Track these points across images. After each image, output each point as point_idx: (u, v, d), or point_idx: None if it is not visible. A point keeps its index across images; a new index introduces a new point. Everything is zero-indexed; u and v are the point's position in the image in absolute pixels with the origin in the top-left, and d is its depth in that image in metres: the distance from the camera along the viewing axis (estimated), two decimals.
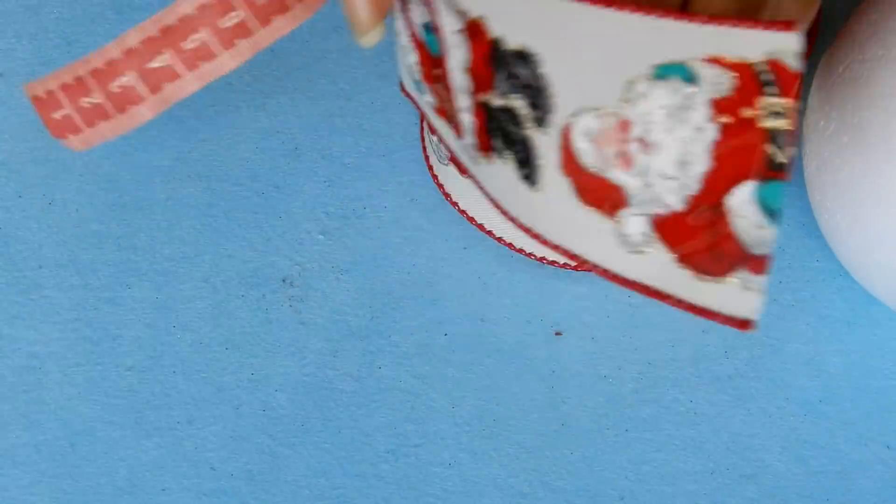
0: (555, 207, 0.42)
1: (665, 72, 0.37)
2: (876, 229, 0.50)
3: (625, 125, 0.39)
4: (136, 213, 0.57)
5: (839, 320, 0.55)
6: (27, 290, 0.56)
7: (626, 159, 0.39)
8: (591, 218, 0.42)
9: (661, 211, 0.38)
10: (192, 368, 0.54)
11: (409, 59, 0.47)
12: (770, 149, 0.37)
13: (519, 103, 0.40)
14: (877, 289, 0.53)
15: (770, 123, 0.36)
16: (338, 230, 0.57)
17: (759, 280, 0.38)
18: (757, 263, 0.37)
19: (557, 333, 0.55)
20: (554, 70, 0.39)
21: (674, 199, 0.38)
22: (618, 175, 0.40)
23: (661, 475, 0.53)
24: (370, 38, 0.41)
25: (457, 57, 0.42)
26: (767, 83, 0.36)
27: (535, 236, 0.43)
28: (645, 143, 0.38)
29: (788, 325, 0.55)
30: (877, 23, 0.50)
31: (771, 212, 0.37)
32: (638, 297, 0.56)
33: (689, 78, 0.37)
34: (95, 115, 0.48)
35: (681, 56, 0.36)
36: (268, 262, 0.56)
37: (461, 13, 0.41)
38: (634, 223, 0.40)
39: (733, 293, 0.38)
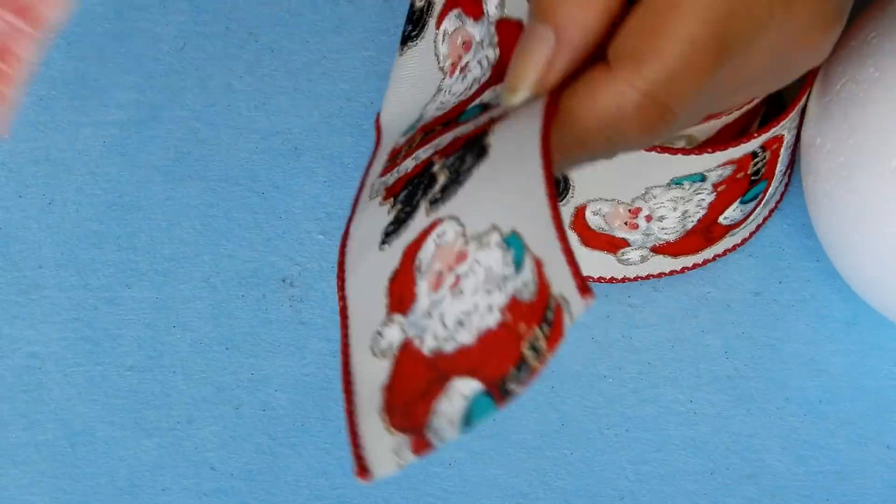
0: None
1: (508, 241, 0.38)
2: (869, 247, 0.50)
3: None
4: (136, 213, 0.57)
5: (839, 320, 0.55)
6: (27, 290, 0.56)
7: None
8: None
9: (446, 349, 0.39)
10: (192, 368, 0.54)
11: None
12: (511, 371, 0.37)
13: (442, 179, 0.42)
14: (873, 301, 0.53)
15: (527, 351, 0.36)
16: (338, 230, 0.57)
17: (409, 458, 0.37)
18: (420, 445, 0.37)
19: None
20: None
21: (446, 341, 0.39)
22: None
23: (661, 475, 0.53)
24: (518, 97, 0.40)
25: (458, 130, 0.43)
26: (547, 319, 0.36)
27: None
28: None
29: (788, 325, 0.55)
30: (872, 43, 0.50)
31: (468, 420, 0.37)
32: (638, 298, 0.56)
33: (517, 261, 0.37)
34: None
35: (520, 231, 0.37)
36: (268, 262, 0.56)
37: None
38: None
39: (384, 444, 0.38)
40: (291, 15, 0.61)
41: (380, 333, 0.40)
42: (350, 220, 0.46)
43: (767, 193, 0.54)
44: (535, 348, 0.37)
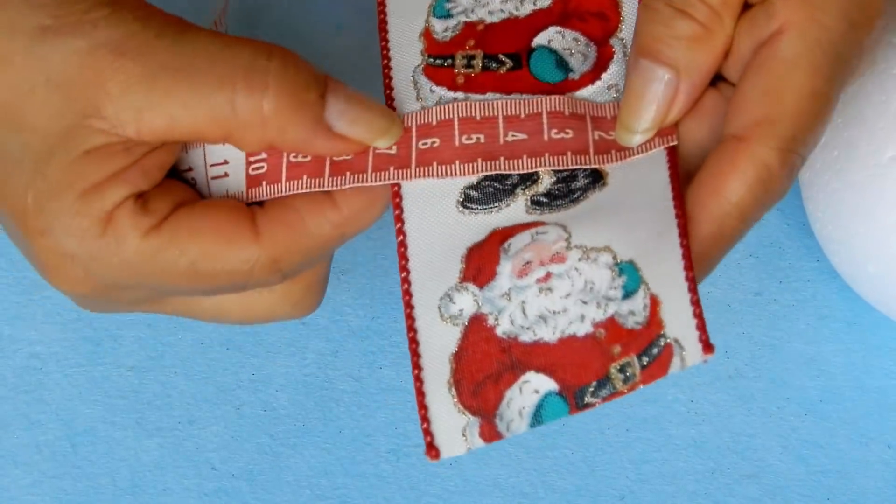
0: None
1: (622, 268, 0.40)
2: (866, 241, 0.50)
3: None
4: None
5: (839, 320, 0.55)
6: (28, 290, 0.56)
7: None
8: None
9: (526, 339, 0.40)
10: (193, 369, 0.54)
11: None
12: (592, 384, 0.38)
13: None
14: (870, 297, 0.53)
15: (615, 373, 0.38)
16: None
17: (477, 441, 0.38)
18: (490, 432, 0.39)
19: None
20: None
21: (548, 334, 0.40)
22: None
23: (662, 474, 0.53)
24: (638, 139, 0.42)
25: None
26: (650, 352, 0.38)
27: None
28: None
29: (788, 325, 0.55)
30: None
31: (538, 417, 0.38)
32: None
33: (627, 289, 0.39)
34: None
35: (644, 272, 0.39)
36: None
37: None
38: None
39: (453, 422, 0.39)
40: (291, 16, 0.61)
41: (451, 298, 0.40)
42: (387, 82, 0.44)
43: None
44: (625, 373, 0.38)
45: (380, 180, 0.41)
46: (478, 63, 0.43)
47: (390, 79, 0.44)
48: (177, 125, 0.39)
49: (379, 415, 0.54)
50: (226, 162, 0.42)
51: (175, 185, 0.42)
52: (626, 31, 0.44)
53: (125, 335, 0.55)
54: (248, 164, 0.42)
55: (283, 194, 0.41)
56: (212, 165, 0.42)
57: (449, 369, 0.39)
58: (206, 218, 0.41)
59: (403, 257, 0.41)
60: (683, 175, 0.41)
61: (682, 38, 0.40)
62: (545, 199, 0.41)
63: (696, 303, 0.38)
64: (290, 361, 0.55)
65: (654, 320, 0.38)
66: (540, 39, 0.44)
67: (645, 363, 0.38)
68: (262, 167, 0.42)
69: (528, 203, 0.42)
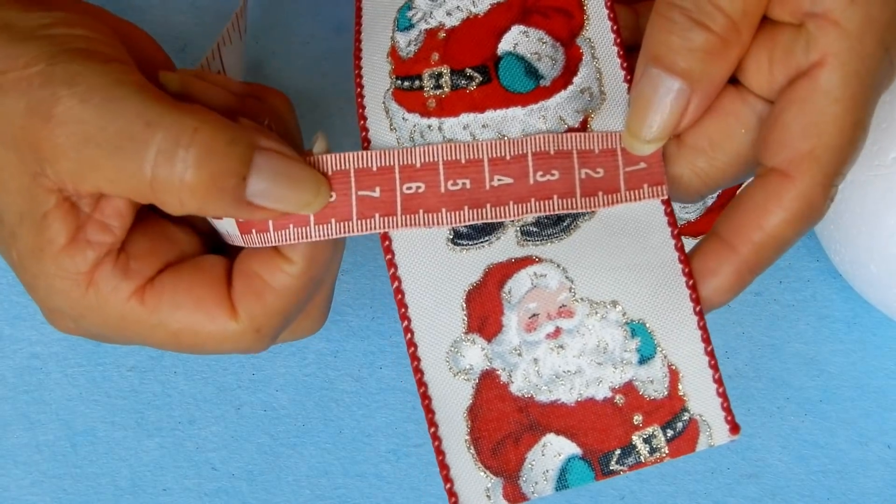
0: None
1: (633, 328, 0.40)
2: (868, 241, 0.50)
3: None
4: None
5: (839, 320, 0.55)
6: None
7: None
8: None
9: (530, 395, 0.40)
10: (193, 369, 0.54)
11: None
12: (616, 452, 0.39)
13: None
14: (872, 297, 0.53)
15: (640, 443, 0.39)
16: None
17: (501, 502, 0.39)
18: (514, 494, 0.39)
19: None
20: None
21: (567, 396, 0.40)
22: None
23: (662, 474, 0.53)
24: (649, 148, 0.42)
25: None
26: (673, 426, 0.39)
27: None
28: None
29: (788, 325, 0.55)
30: None
31: (563, 481, 0.39)
32: None
33: (643, 354, 0.40)
34: None
35: (665, 346, 0.40)
36: None
37: None
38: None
39: (477, 487, 0.39)
40: (292, 16, 0.61)
41: (459, 351, 0.40)
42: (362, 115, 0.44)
43: None
44: (650, 445, 0.39)
45: (367, 229, 0.41)
46: (446, 82, 0.43)
47: (364, 108, 0.44)
48: (105, 191, 0.40)
49: (379, 415, 0.54)
50: None
51: (161, 238, 0.42)
52: (592, 30, 0.43)
53: None
54: None
55: (274, 244, 0.42)
56: None
57: (466, 427, 0.40)
58: (188, 290, 0.42)
59: (402, 305, 0.41)
60: (688, 170, 0.41)
61: (698, 49, 0.40)
62: (535, 229, 0.41)
63: (719, 381, 0.39)
64: (290, 361, 0.55)
65: (675, 393, 0.39)
66: (505, 45, 0.43)
67: (670, 436, 0.39)
68: None
69: (519, 234, 0.41)
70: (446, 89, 0.43)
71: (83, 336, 0.43)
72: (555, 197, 0.41)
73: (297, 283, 0.42)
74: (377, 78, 0.44)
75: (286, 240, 0.41)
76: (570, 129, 0.42)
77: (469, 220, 0.41)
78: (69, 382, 0.54)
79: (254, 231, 0.42)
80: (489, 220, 0.41)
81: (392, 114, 0.43)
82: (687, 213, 0.53)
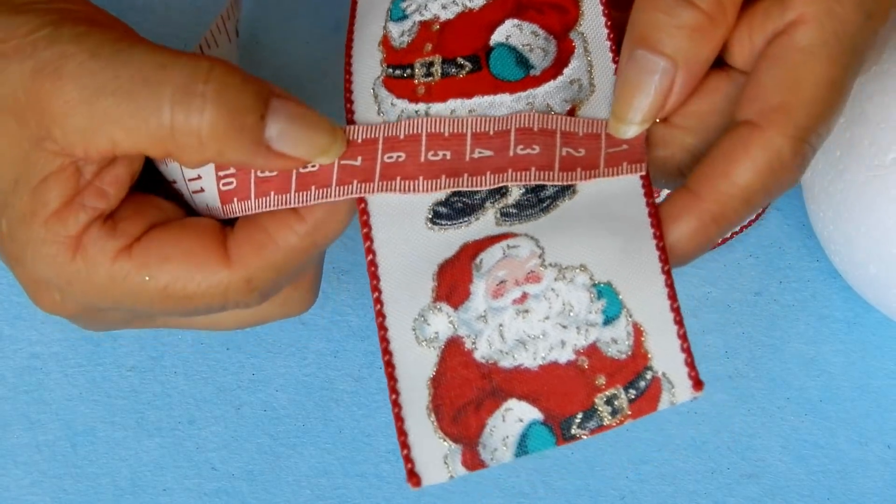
0: None
1: (600, 290, 0.39)
2: (867, 242, 0.50)
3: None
4: None
5: (839, 320, 0.55)
6: None
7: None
8: None
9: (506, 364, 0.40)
10: (192, 369, 0.54)
11: None
12: (578, 415, 0.38)
13: None
14: (871, 298, 0.53)
15: (602, 405, 0.38)
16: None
17: (459, 469, 0.38)
18: (473, 461, 0.38)
19: None
20: None
21: (529, 361, 0.39)
22: None
23: (662, 475, 0.53)
24: (633, 130, 0.42)
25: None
26: (636, 385, 0.38)
27: None
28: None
29: (788, 325, 0.55)
30: None
31: (524, 447, 0.38)
32: None
33: (608, 315, 0.39)
34: None
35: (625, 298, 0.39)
36: None
37: None
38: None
39: (436, 454, 0.38)
40: (291, 16, 0.61)
41: (425, 319, 0.40)
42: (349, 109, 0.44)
43: None
44: (612, 406, 0.38)
45: (344, 194, 0.41)
46: (437, 70, 0.43)
47: (350, 92, 0.44)
48: (119, 146, 0.39)
49: (379, 415, 0.54)
50: (199, 177, 0.42)
51: (148, 205, 0.42)
52: (586, 24, 0.43)
53: (125, 335, 0.55)
54: (218, 178, 0.42)
55: (255, 211, 0.41)
56: (189, 180, 0.42)
57: (427, 394, 0.39)
58: (176, 242, 0.41)
59: (374, 276, 0.41)
60: (678, 150, 0.41)
61: (685, 27, 0.40)
62: (514, 210, 0.41)
63: (683, 336, 0.38)
64: (290, 361, 0.55)
65: (638, 351, 0.38)
66: (498, 36, 0.43)
67: (633, 396, 0.38)
68: (232, 182, 0.42)
69: (498, 216, 0.41)
70: (436, 77, 0.43)
71: (69, 315, 0.43)
72: (532, 169, 0.41)
73: (301, 243, 0.41)
74: (367, 65, 0.44)
75: (266, 207, 0.41)
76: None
77: (444, 187, 0.41)
78: (69, 382, 0.54)
79: (235, 200, 0.41)
80: (464, 189, 0.41)
81: (381, 100, 0.43)
82: None
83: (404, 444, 0.38)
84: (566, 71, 0.43)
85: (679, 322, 0.38)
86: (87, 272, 0.41)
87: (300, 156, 0.41)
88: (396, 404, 0.39)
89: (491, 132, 0.42)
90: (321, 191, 0.41)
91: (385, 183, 0.41)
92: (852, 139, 0.50)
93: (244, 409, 0.54)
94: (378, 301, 0.40)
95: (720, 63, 0.42)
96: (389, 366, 0.40)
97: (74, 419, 0.54)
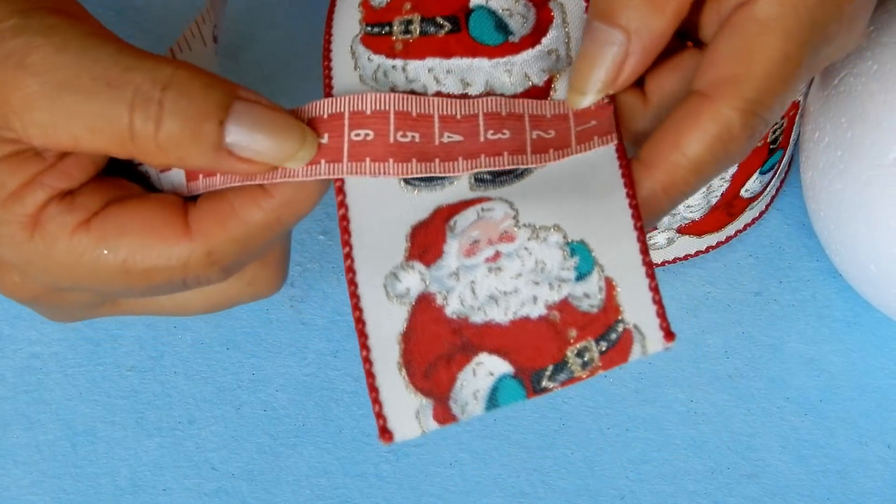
0: None
1: (573, 248, 0.39)
2: (868, 241, 0.50)
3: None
4: None
5: (839, 320, 0.55)
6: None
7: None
8: None
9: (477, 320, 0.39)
10: (192, 369, 0.54)
11: None
12: (549, 368, 0.38)
13: None
14: (872, 297, 0.53)
15: (573, 357, 0.38)
16: (338, 230, 0.57)
17: (431, 424, 0.38)
18: (444, 415, 0.38)
19: None
20: None
21: (501, 316, 0.39)
22: None
23: (662, 474, 0.53)
24: (587, 101, 0.42)
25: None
26: (607, 338, 0.38)
27: None
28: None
29: (788, 325, 0.55)
30: (872, 36, 0.50)
31: (494, 400, 0.38)
32: None
33: (580, 271, 0.39)
34: None
35: (598, 254, 0.39)
36: None
37: None
38: None
39: (406, 404, 0.38)
40: (291, 17, 0.61)
41: (396, 276, 0.40)
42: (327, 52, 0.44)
43: (781, 164, 0.55)
44: (583, 358, 0.38)
45: (312, 175, 0.40)
46: (416, 28, 0.43)
47: (329, 51, 0.43)
48: (81, 143, 0.39)
49: None
50: None
51: (108, 183, 0.41)
52: None
53: (125, 335, 0.55)
54: None
55: (220, 187, 0.41)
56: None
57: (398, 350, 0.39)
58: (134, 215, 0.40)
59: (346, 231, 0.41)
60: (649, 125, 0.41)
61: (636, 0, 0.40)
62: (488, 177, 0.41)
63: (654, 289, 0.38)
64: (290, 361, 0.55)
65: (610, 305, 0.38)
66: None
67: (604, 349, 0.38)
68: None
69: (472, 181, 0.41)
70: (415, 34, 0.43)
71: (29, 298, 0.42)
72: (505, 154, 0.41)
73: (267, 218, 0.41)
74: (346, 26, 0.44)
75: (230, 182, 0.41)
76: (535, 87, 0.42)
77: (417, 172, 0.41)
78: (69, 382, 0.54)
79: (200, 177, 0.41)
80: (437, 175, 0.41)
81: (358, 56, 0.43)
82: (691, 211, 0.53)
83: (375, 401, 0.38)
84: (544, 40, 0.43)
85: (651, 276, 0.38)
86: (45, 249, 0.40)
87: (264, 161, 0.40)
88: (367, 361, 0.39)
89: (458, 115, 0.42)
90: (287, 170, 0.41)
91: (354, 164, 0.41)
92: (853, 138, 0.50)
93: (244, 409, 0.54)
94: (348, 257, 0.40)
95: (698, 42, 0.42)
96: (360, 322, 0.39)
97: (74, 419, 0.54)
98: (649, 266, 0.38)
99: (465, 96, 0.42)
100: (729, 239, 0.56)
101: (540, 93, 0.43)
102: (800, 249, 0.57)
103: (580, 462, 0.53)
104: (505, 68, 0.42)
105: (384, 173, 0.41)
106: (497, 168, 0.41)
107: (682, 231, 0.54)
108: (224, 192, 0.41)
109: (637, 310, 0.38)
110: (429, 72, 0.42)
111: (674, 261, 0.55)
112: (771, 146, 0.52)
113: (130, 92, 0.38)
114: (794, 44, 0.39)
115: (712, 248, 0.55)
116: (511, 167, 0.41)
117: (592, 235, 0.39)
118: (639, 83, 0.42)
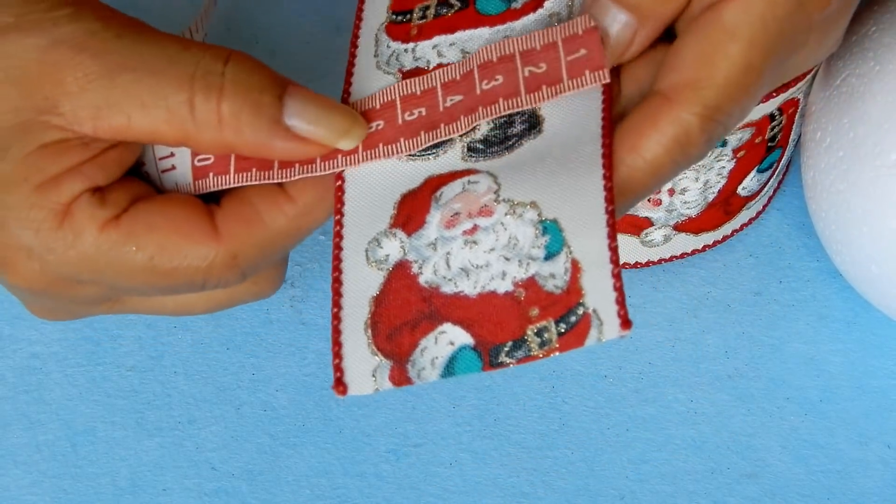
0: None
1: (545, 226, 0.40)
2: (870, 242, 0.50)
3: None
4: None
5: (839, 320, 0.55)
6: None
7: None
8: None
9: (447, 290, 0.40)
10: (192, 369, 0.55)
11: None
12: (508, 344, 0.38)
13: None
14: (873, 298, 0.53)
15: (532, 336, 0.38)
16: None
17: (385, 384, 0.39)
18: (400, 376, 0.39)
19: None
20: None
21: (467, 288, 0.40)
22: None
23: (662, 474, 0.53)
24: None
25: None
26: (567, 320, 0.38)
27: None
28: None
29: (788, 325, 0.55)
30: (873, 37, 0.50)
31: (451, 369, 0.39)
32: (638, 297, 0.56)
33: (550, 250, 0.39)
34: None
35: (568, 234, 0.39)
36: None
37: None
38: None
39: (365, 363, 0.39)
40: (292, 16, 0.61)
41: (378, 243, 0.40)
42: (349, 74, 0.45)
43: (780, 163, 0.55)
44: (541, 338, 0.38)
45: (329, 169, 0.41)
46: (431, 12, 0.44)
47: (357, 37, 0.45)
48: (133, 125, 0.40)
49: (378, 415, 0.54)
50: (172, 154, 0.42)
51: (133, 181, 0.42)
52: None
53: (125, 335, 0.55)
54: (194, 154, 0.42)
55: (232, 185, 0.41)
56: (160, 158, 0.42)
57: (368, 311, 0.39)
58: (164, 213, 0.41)
59: (340, 201, 0.41)
60: (621, 117, 0.42)
61: None
62: (481, 146, 0.42)
63: (617, 276, 0.38)
64: (290, 361, 0.55)
65: (573, 287, 0.38)
66: None
67: (562, 330, 0.38)
68: (209, 158, 0.42)
69: (465, 150, 0.42)
70: (429, 18, 0.44)
71: (40, 288, 0.42)
72: (500, 100, 0.41)
73: (290, 225, 0.41)
74: (376, 13, 0.45)
75: (246, 181, 0.41)
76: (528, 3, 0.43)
77: (425, 143, 0.42)
78: (69, 382, 0.54)
79: (210, 174, 0.42)
80: (444, 139, 0.42)
81: (379, 43, 0.44)
82: (688, 208, 0.53)
83: (337, 354, 0.39)
84: (546, 4, 0.43)
85: (615, 262, 0.38)
86: (73, 239, 0.40)
87: (320, 138, 0.41)
88: (337, 317, 0.40)
89: (458, 77, 0.42)
90: (305, 167, 0.41)
91: (368, 152, 0.41)
92: (856, 139, 0.50)
93: (244, 409, 0.54)
94: (339, 223, 0.41)
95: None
96: (337, 282, 0.40)
97: (74, 419, 0.54)
98: (615, 252, 0.38)
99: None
100: (726, 238, 0.56)
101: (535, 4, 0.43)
102: (800, 249, 0.57)
103: (580, 462, 0.53)
104: (504, 35, 0.43)
105: (396, 153, 0.42)
106: (494, 116, 0.41)
107: (678, 228, 0.54)
108: (248, 195, 0.41)
109: (598, 295, 0.38)
110: (433, 48, 0.43)
111: (671, 259, 0.55)
112: (769, 144, 0.52)
113: (193, 66, 0.39)
114: (757, 53, 0.39)
115: (709, 246, 0.55)
116: (508, 133, 0.41)
117: (565, 215, 0.39)
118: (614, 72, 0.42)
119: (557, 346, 0.38)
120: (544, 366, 0.54)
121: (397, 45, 0.44)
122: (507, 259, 0.39)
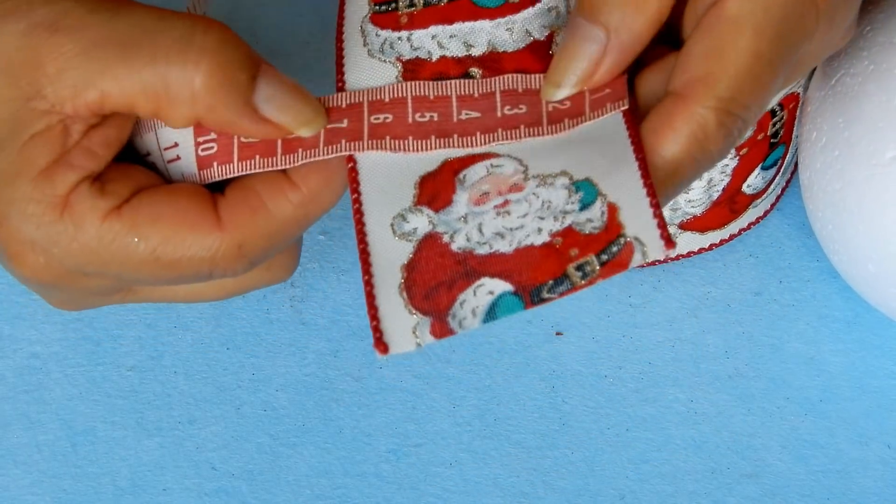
0: None
1: (578, 185, 0.40)
2: (866, 241, 0.50)
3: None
4: None
5: (839, 320, 0.55)
6: (28, 290, 0.56)
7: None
8: None
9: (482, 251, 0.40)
10: (193, 368, 0.55)
11: None
12: (549, 282, 0.38)
13: None
14: (871, 297, 0.53)
15: (573, 271, 0.38)
16: (338, 230, 0.57)
17: (427, 338, 0.38)
18: (441, 328, 0.39)
19: (558, 334, 0.55)
20: None
21: (505, 246, 0.40)
22: None
23: (662, 474, 0.53)
24: (561, 93, 0.42)
25: None
26: (609, 251, 0.38)
27: None
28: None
29: (788, 325, 0.55)
30: (867, 36, 0.50)
31: (492, 313, 0.39)
32: (638, 297, 0.56)
33: (584, 202, 0.39)
34: None
35: (599, 185, 0.39)
36: None
37: None
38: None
39: (403, 321, 0.39)
40: (291, 16, 0.61)
41: (404, 218, 0.40)
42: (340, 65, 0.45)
43: (785, 160, 0.54)
44: (583, 271, 0.38)
45: (332, 153, 0.41)
46: (419, 1, 0.44)
47: (342, 32, 0.45)
48: (109, 98, 0.39)
49: (379, 415, 0.54)
50: (176, 145, 0.42)
51: (135, 170, 0.41)
52: None
53: (125, 335, 0.55)
54: (197, 144, 0.42)
55: (236, 174, 0.41)
56: (165, 149, 0.42)
57: (400, 277, 0.39)
58: (167, 203, 0.40)
59: (354, 181, 0.41)
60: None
61: None
62: None
63: (655, 205, 0.38)
64: (290, 361, 0.55)
65: (612, 224, 0.38)
66: None
67: (604, 260, 0.38)
68: (212, 147, 0.42)
69: None
70: (419, 6, 0.44)
71: (49, 281, 0.42)
72: (521, 126, 0.42)
73: (296, 213, 0.41)
74: (356, 8, 0.45)
75: (250, 169, 0.41)
76: (536, 41, 0.43)
77: (436, 147, 0.42)
78: (69, 382, 0.54)
79: (215, 164, 0.41)
80: (456, 148, 0.42)
81: (367, 33, 0.44)
82: (692, 206, 0.53)
83: (374, 317, 0.39)
84: None
85: (652, 195, 0.38)
86: (74, 232, 0.40)
87: (284, 123, 0.41)
88: (369, 284, 0.39)
89: (476, 94, 0.42)
90: (308, 152, 0.41)
91: (374, 141, 0.41)
92: (851, 138, 0.50)
93: (244, 409, 0.54)
94: (357, 201, 0.41)
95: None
96: (364, 253, 0.40)
97: (74, 419, 0.54)
98: (651, 188, 0.38)
99: (468, 58, 0.43)
100: (732, 237, 0.56)
101: (542, 46, 0.43)
102: (800, 249, 0.57)
103: (580, 462, 0.53)
104: (506, 27, 0.43)
105: (404, 149, 0.42)
106: (513, 140, 0.42)
107: (684, 227, 0.54)
108: (252, 183, 0.41)
109: (639, 224, 0.38)
110: (432, 38, 0.43)
111: (677, 258, 0.55)
112: (772, 140, 0.52)
113: (168, 38, 0.39)
114: (764, 40, 0.39)
115: (716, 245, 0.55)
116: (527, 137, 0.41)
117: (598, 173, 0.39)
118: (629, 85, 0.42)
119: (600, 273, 0.38)
120: (544, 366, 0.54)
121: (387, 33, 0.44)
122: (542, 218, 0.39)
